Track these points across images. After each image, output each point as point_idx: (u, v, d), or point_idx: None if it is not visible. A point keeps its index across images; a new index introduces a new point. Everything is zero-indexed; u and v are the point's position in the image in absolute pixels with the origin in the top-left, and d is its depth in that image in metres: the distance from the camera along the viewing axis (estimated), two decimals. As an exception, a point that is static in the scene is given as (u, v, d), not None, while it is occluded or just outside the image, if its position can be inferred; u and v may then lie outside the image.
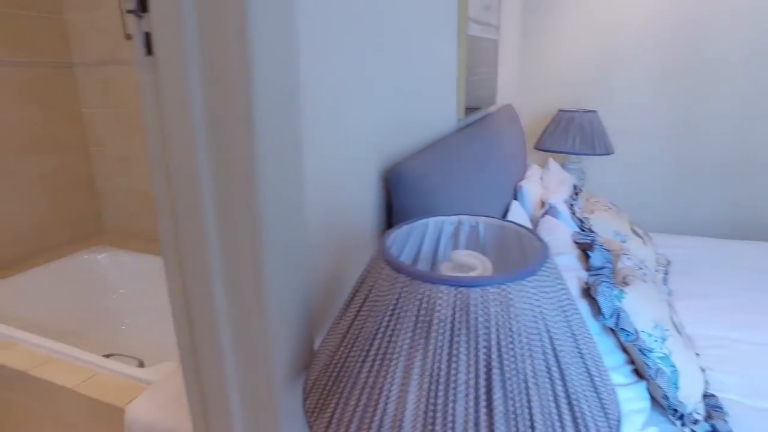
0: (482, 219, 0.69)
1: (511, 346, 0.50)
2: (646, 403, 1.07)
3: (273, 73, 0.60)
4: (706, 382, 1.20)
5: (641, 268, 1.22)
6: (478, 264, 0.60)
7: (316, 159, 0.74)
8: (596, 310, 1.09)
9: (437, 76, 1.28)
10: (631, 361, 1.14)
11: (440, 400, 0.50)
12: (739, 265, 1.92)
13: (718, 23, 2.35)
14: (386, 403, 0.53)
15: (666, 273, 1.81)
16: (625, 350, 1.14)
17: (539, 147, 2.45)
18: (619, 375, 1.07)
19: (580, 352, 0.55)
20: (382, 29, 0.91)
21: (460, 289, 0.51)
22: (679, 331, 1.15)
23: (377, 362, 0.55)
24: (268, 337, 0.67)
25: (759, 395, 1.20)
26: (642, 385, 1.10)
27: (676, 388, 1.08)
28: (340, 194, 0.82)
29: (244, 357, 0.70)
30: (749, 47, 2.34)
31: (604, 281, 1.08)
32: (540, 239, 0.60)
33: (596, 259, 1.22)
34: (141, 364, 1.74)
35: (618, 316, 1.04)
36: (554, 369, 0.51)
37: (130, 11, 0.57)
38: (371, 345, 0.56)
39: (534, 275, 0.53)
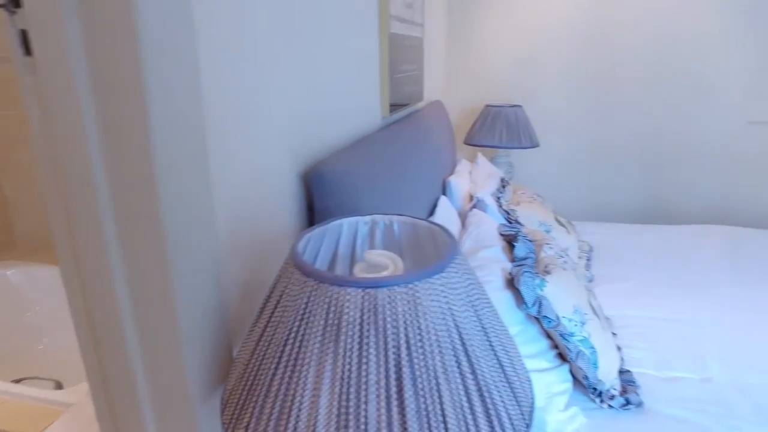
0: (396, 218, 0.69)
1: (420, 344, 0.50)
2: (568, 385, 1.12)
3: (169, 73, 0.57)
4: (622, 359, 1.27)
5: (562, 257, 1.27)
6: (390, 263, 0.59)
7: (226, 161, 0.71)
8: (520, 299, 1.13)
9: (358, 74, 1.27)
10: (555, 346, 1.19)
11: (352, 403, 0.50)
12: (651, 248, 2.04)
13: (625, 26, 2.50)
14: (299, 410, 0.52)
15: (589, 259, 1.90)
16: (548, 336, 1.19)
17: (468, 142, 2.50)
18: (542, 360, 1.11)
19: (491, 345, 0.56)
20: (295, 27, 0.89)
21: (368, 290, 0.50)
22: (597, 314, 1.21)
23: (289, 369, 0.53)
24: (179, 351, 0.64)
25: (667, 367, 1.28)
26: (565, 368, 1.15)
27: (596, 367, 1.13)
28: (255, 197, 0.79)
29: (155, 373, 0.67)
30: (652, 47, 2.50)
31: (526, 271, 1.12)
32: (450, 235, 0.61)
33: (520, 249, 1.26)
34: (59, 386, 1.63)
35: (540, 304, 1.08)
36: (464, 363, 0.52)
37: (1, 5, 0.52)
38: (282, 351, 0.54)
39: (442, 272, 0.53)
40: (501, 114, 2.43)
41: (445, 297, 0.52)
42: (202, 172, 0.65)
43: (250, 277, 0.80)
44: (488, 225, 1.46)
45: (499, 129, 2.40)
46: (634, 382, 1.20)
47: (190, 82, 0.61)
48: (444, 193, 1.78)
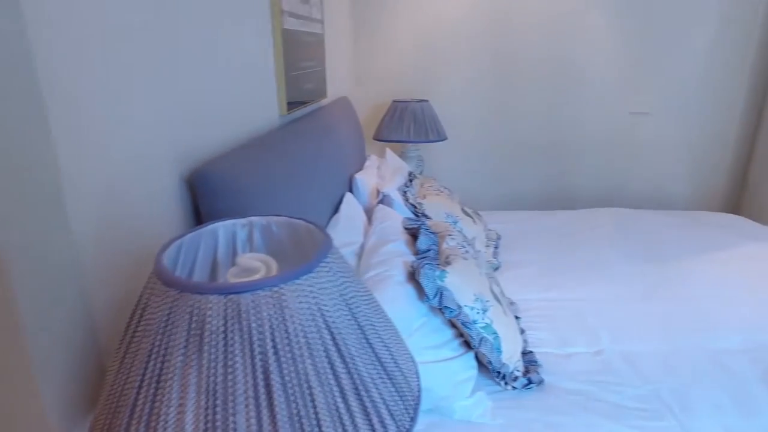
0: (273, 219, 0.67)
1: (288, 348, 0.49)
2: (473, 371, 1.16)
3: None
4: (525, 341, 1.33)
5: (464, 247, 1.31)
6: (262, 266, 0.57)
7: (90, 168, 0.65)
8: (423, 292, 1.14)
9: (251, 72, 1.23)
10: (460, 335, 1.22)
11: (219, 415, 0.47)
12: (552, 233, 2.16)
13: (523, 23, 2.62)
14: (165, 430, 0.48)
15: (496, 247, 1.98)
16: (453, 325, 1.22)
17: (378, 137, 2.52)
18: (447, 350, 1.14)
19: (368, 342, 0.56)
20: (177, 22, 0.84)
21: (230, 296, 0.48)
22: (499, 300, 1.25)
23: (153, 387, 0.50)
24: (32, 382, 0.58)
25: (565, 344, 1.36)
26: (470, 355, 1.18)
27: (499, 352, 1.17)
28: (128, 204, 0.74)
29: (6, 411, 0.60)
30: (548, 44, 2.64)
31: (427, 264, 1.13)
32: (324, 233, 0.60)
33: (422, 242, 1.28)
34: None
35: (441, 295, 1.10)
36: (338, 364, 0.51)
37: None
38: (146, 369, 0.51)
39: (310, 273, 0.52)
40: (408, 109, 2.46)
41: (314, 298, 0.51)
42: (49, 179, 0.59)
43: (127, 288, 0.75)
44: (393, 219, 1.47)
45: (407, 124, 2.44)
46: (535, 361, 1.26)
47: (24, 84, 0.55)
48: (351, 190, 1.78)
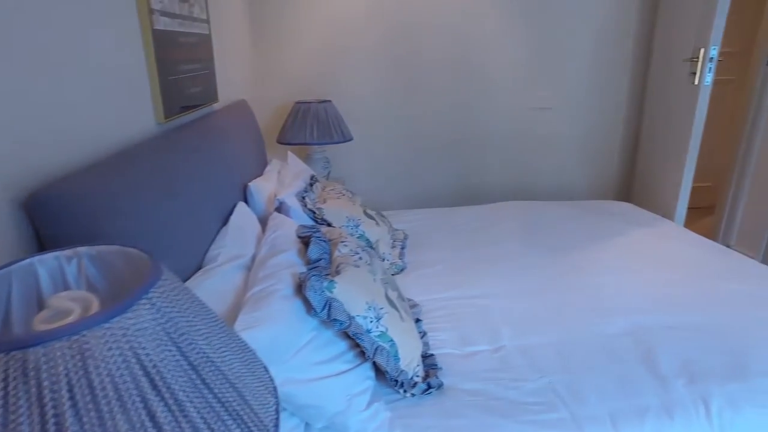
0: (104, 248, 0.59)
1: (92, 406, 0.42)
2: (370, 382, 1.12)
3: None
4: (426, 345, 1.32)
5: (357, 253, 1.27)
6: (77, 307, 0.50)
7: None
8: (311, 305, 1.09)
9: (114, 76, 1.12)
10: (357, 345, 1.19)
11: (7, 498, 0.39)
12: (459, 230, 2.19)
13: (427, 24, 2.64)
14: None
15: (403, 247, 1.97)
16: (349, 336, 1.18)
17: (281, 140, 2.44)
18: (340, 362, 1.09)
19: (204, 383, 0.50)
20: (8, 23, 0.73)
21: (13, 353, 0.40)
22: (396, 306, 1.23)
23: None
24: None
25: (467, 343, 1.36)
26: (366, 366, 1.15)
27: (397, 359, 1.15)
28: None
29: None
30: (451, 42, 2.68)
31: (314, 275, 1.08)
32: (152, 263, 0.53)
33: (313, 251, 1.23)
34: None
35: (330, 307, 1.06)
36: (161, 414, 0.45)
37: None
38: None
39: (125, 313, 0.45)
40: (311, 110, 2.40)
41: (128, 342, 0.44)
42: None
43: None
44: (287, 228, 1.40)
45: (310, 125, 2.38)
46: (435, 365, 1.25)
47: None
48: (246, 199, 1.69)
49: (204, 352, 0.51)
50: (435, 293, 1.63)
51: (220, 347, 0.55)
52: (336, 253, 1.24)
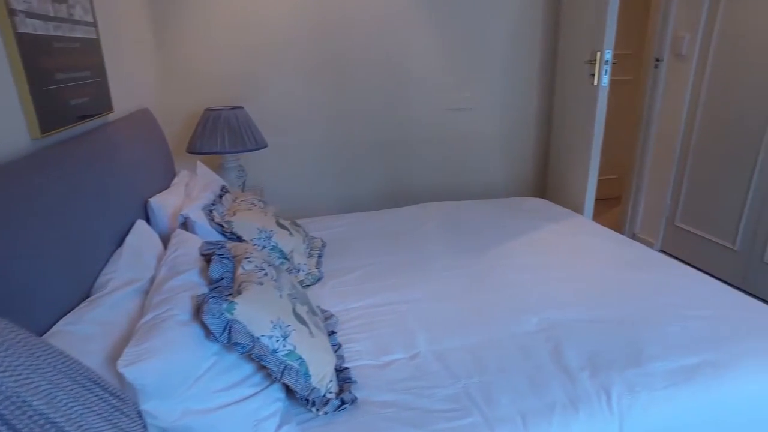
0: None
1: None
2: (279, 404, 1.07)
3: None
4: (341, 357, 1.29)
5: (262, 269, 1.21)
6: None
7: None
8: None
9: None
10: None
11: None
12: (380, 234, 2.18)
13: (348, 25, 2.60)
14: None
15: (320, 256, 1.92)
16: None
17: (191, 150, 2.31)
18: (246, 387, 1.04)
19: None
20: None
21: None
22: (305, 322, 1.18)
23: None
24: None
25: (383, 352, 1.34)
26: (275, 387, 1.09)
27: (308, 377, 1.10)
28: None
29: None
30: (374, 45, 2.66)
31: (212, 297, 1.02)
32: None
33: (215, 270, 1.16)
34: None
35: (231, 330, 1.00)
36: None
37: None
38: None
39: None
40: (221, 117, 2.29)
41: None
42: None
43: None
44: (190, 246, 1.32)
45: (221, 133, 2.27)
46: (350, 378, 1.21)
47: None
48: (148, 216, 1.58)
49: (41, 413, 0.45)
50: (352, 302, 1.60)
51: (69, 402, 0.49)
52: (239, 271, 1.18)
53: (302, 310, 1.22)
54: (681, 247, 3.13)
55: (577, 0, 2.54)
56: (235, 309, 1.01)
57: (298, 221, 2.34)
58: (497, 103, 2.97)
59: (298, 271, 1.71)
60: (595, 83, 2.31)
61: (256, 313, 1.05)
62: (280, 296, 1.17)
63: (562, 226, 2.21)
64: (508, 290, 1.66)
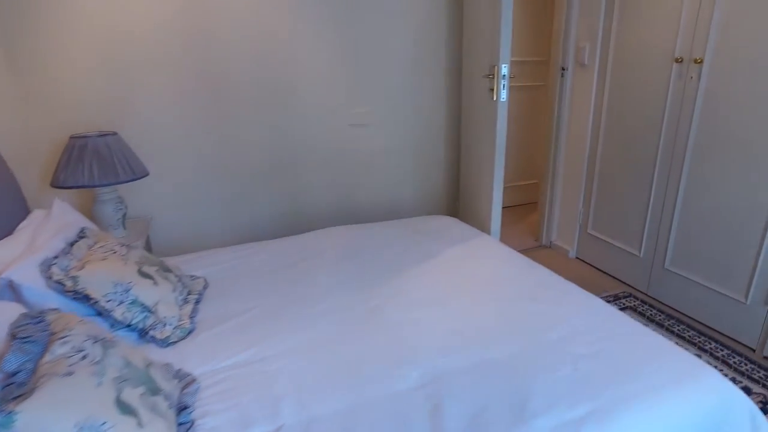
0: None
1: None
2: None
3: None
4: (189, 442, 1.12)
5: (81, 350, 1.02)
6: None
7: None
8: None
9: None
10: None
11: None
12: (271, 267, 2.01)
13: (230, 43, 2.39)
14: None
15: (198, 302, 1.73)
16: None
17: (55, 184, 2.05)
18: None
19: None
20: None
21: None
22: (132, 410, 1.00)
23: None
24: None
25: (244, 424, 1.17)
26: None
27: (133, 480, 0.93)
28: None
29: None
30: (262, 61, 2.47)
31: (-13, 406, 0.82)
32: None
33: (9, 362, 0.96)
34: None
35: (10, 447, 0.81)
36: None
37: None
38: None
39: None
40: (88, 146, 2.04)
41: None
42: None
43: None
44: (2, 321, 1.10)
45: (89, 163, 2.02)
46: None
47: None
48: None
49: None
50: (221, 360, 1.43)
51: None
52: (47, 357, 0.98)
53: (133, 395, 1.04)
54: (593, 255, 3.15)
55: (475, 13, 2.47)
56: (14, 422, 0.82)
57: (185, 257, 2.13)
58: (403, 118, 2.86)
59: (164, 325, 1.51)
60: (495, 98, 2.24)
61: (53, 417, 0.86)
62: (99, 384, 0.98)
63: (464, 250, 2.12)
64: (393, 333, 1.53)
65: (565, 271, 3.09)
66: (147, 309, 1.50)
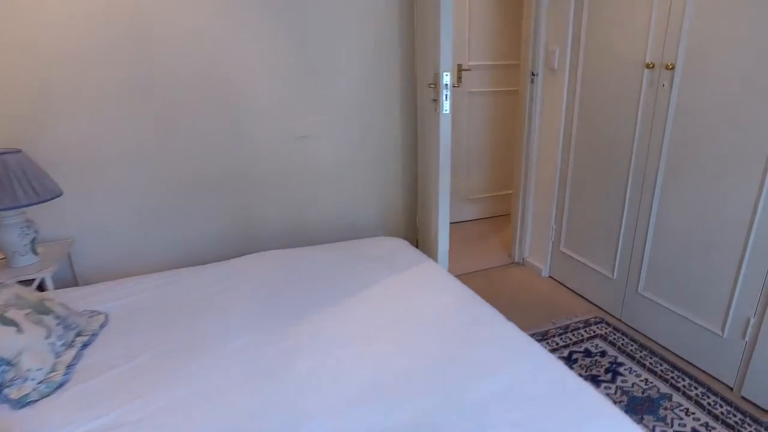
0: None
1: None
2: None
3: None
4: None
5: None
6: None
7: None
8: None
9: None
10: None
11: None
12: (187, 300, 1.81)
13: (169, 38, 2.19)
14: None
15: (86, 345, 1.53)
16: None
17: (-51, 207, 1.85)
18: None
19: None
20: None
21: None
22: None
23: None
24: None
25: None
26: None
27: None
28: None
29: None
30: (202, 69, 2.27)
31: None
32: None
33: None
34: None
35: None
36: None
37: None
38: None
39: None
40: (-15, 166, 1.85)
41: None
42: None
43: None
44: None
45: (-15, 186, 1.83)
46: None
47: None
48: None
49: None
50: (83, 422, 1.22)
51: None
52: None
53: None
54: (566, 274, 2.93)
55: (424, 18, 2.25)
56: None
57: (94, 287, 1.93)
58: (358, 128, 2.65)
59: (25, 380, 1.31)
60: (437, 109, 2.01)
61: None
62: None
63: (403, 280, 1.91)
64: (302, 382, 1.33)
65: (536, 292, 2.87)
66: (5, 362, 1.30)
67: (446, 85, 1.85)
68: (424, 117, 2.43)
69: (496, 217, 4.13)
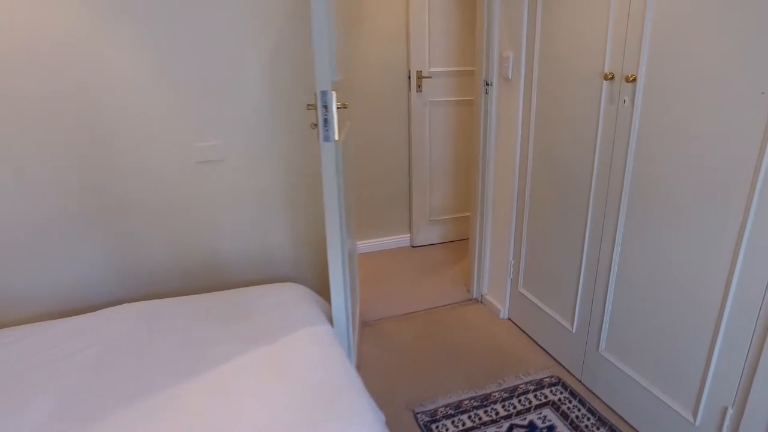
0: None
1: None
2: None
3: None
4: None
5: None
6: None
7: None
8: None
9: None
10: None
11: None
12: (25, 366, 1.43)
13: (34, 55, 1.82)
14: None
15: None
16: None
17: None
18: None
19: None
20: None
21: None
22: None
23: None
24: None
25: None
26: None
27: None
28: None
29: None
30: (73, 86, 1.90)
31: None
32: None
33: None
34: None
35: None
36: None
37: None
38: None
39: None
40: None
41: None
42: None
43: None
44: None
45: None
46: None
47: None
48: None
49: None
50: None
51: None
52: None
53: None
54: (525, 319, 2.50)
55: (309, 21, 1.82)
56: None
57: None
58: (269, 153, 2.25)
59: None
60: (317, 137, 1.54)
61: None
62: None
63: (276, 348, 1.51)
64: None
65: (490, 339, 2.44)
66: None
67: (326, 106, 1.40)
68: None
69: (461, 240, 3.70)
